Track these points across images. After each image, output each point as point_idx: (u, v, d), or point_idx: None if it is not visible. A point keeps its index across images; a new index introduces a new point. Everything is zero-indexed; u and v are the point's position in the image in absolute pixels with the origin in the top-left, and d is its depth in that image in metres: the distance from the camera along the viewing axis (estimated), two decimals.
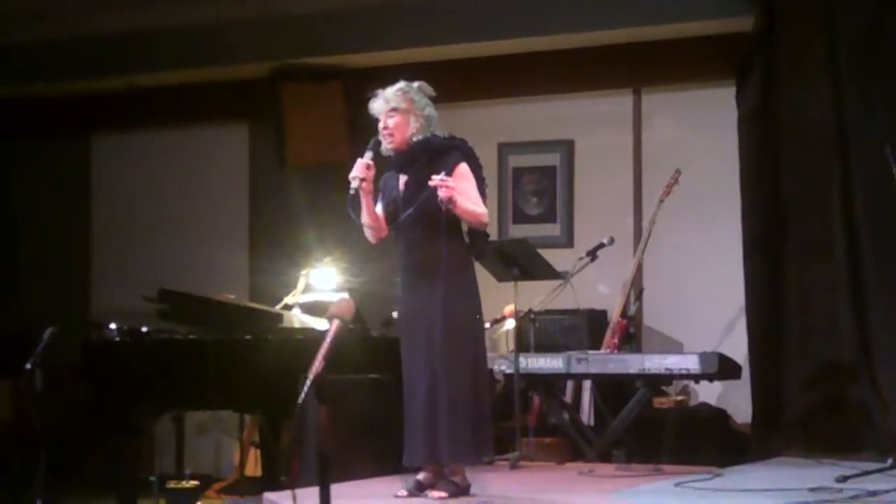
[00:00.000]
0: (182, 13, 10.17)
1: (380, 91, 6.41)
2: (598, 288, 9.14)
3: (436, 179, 6.12)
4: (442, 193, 6.12)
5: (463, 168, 6.33)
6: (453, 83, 9.33)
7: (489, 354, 8.57)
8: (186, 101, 10.72)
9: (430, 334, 6.28)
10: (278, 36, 10.00)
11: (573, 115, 9.78)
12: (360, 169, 6.29)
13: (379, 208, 6.45)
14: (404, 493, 6.37)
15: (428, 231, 6.27)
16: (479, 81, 9.76)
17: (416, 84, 6.41)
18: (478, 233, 6.43)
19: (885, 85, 8.25)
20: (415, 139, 6.35)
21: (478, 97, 9.85)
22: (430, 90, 6.43)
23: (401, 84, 6.39)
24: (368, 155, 6.33)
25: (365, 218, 6.38)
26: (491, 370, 8.22)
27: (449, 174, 6.22)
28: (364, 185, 6.30)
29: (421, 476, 6.42)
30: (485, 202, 6.38)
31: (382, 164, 6.44)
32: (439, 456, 6.28)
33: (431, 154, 6.32)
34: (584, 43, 9.43)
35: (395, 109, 6.33)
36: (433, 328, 6.27)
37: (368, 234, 6.49)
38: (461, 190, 6.22)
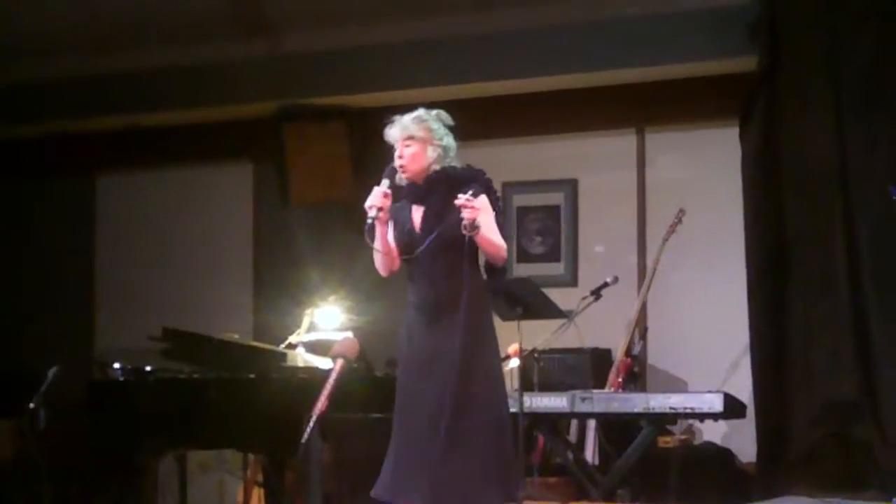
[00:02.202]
0: (186, 53, 10.22)
1: (397, 118, 6.15)
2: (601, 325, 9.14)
3: (461, 198, 5.85)
4: (467, 214, 5.84)
5: (482, 200, 6.01)
6: (458, 122, 9.33)
7: None
8: (191, 140, 10.75)
9: (450, 373, 5.96)
10: (282, 76, 10.04)
11: (577, 154, 9.80)
12: (378, 198, 6.04)
13: (390, 237, 6.19)
14: None
15: (449, 264, 6.02)
16: (483, 120, 9.78)
17: (434, 112, 6.18)
18: (497, 269, 6.15)
19: (887, 123, 8.28)
20: (431, 169, 6.10)
21: (482, 136, 9.87)
22: (448, 119, 6.20)
23: (419, 111, 6.16)
24: (385, 183, 6.08)
25: (380, 245, 6.11)
26: None
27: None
28: (381, 214, 6.06)
29: None
30: (504, 236, 6.11)
31: (396, 193, 6.20)
32: (445, 499, 5.95)
33: (450, 185, 6.02)
34: (589, 83, 9.46)
35: (411, 138, 6.08)
36: (454, 367, 5.96)
37: (379, 264, 6.20)
38: (482, 222, 5.93)
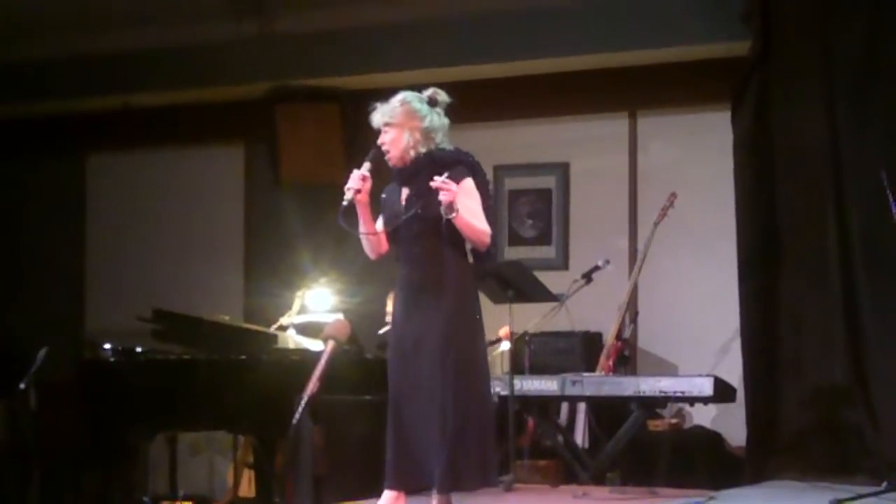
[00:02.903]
0: (179, 34, 10.19)
1: (378, 104, 6.18)
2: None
3: (437, 181, 5.85)
4: (443, 197, 5.86)
5: (467, 183, 6.02)
6: (449, 105, 9.36)
7: None
8: (182, 120, 10.73)
9: (431, 356, 5.98)
10: (275, 57, 10.02)
11: (569, 138, 9.80)
12: (355, 180, 6.06)
13: (380, 223, 6.20)
14: None
15: (429, 246, 6.02)
16: (474, 104, 9.70)
17: (428, 92, 6.21)
18: (481, 253, 6.12)
19: (879, 108, 8.27)
20: (413, 153, 6.09)
21: (474, 119, 9.84)
22: (442, 97, 6.20)
23: (400, 96, 6.17)
24: (366, 166, 6.09)
25: (363, 228, 6.13)
26: None
27: None
28: (359, 196, 6.07)
29: (383, 503, 6.11)
30: (491, 223, 6.08)
31: (388, 176, 6.23)
32: (429, 484, 5.98)
33: (435, 168, 6.00)
34: (581, 66, 9.46)
35: (388, 124, 6.11)
36: (435, 350, 5.97)
37: (367, 247, 6.22)
38: (464, 205, 5.94)
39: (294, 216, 9.86)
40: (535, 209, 9.88)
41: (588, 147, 9.74)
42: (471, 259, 6.16)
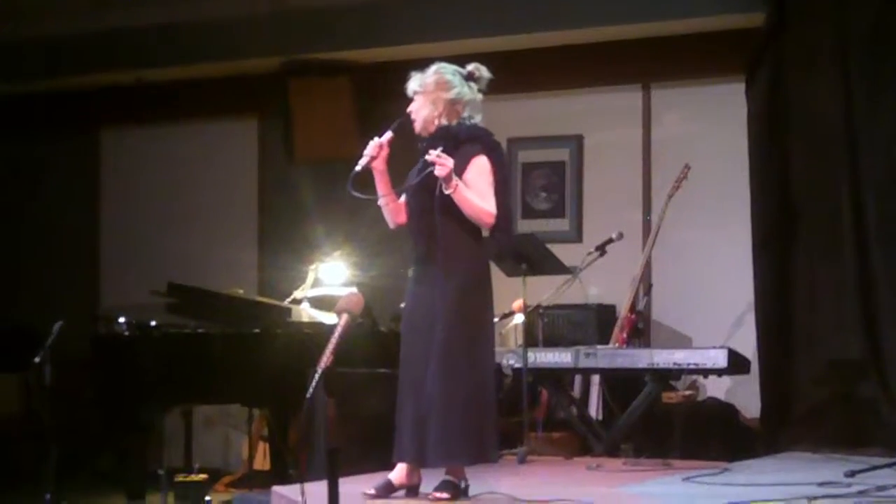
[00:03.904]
0: (191, 8, 10.19)
1: (415, 73, 6.17)
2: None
3: (432, 154, 5.88)
4: (437, 171, 5.87)
5: (480, 161, 6.02)
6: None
7: (498, 349, 8.61)
8: (196, 96, 10.74)
9: (430, 330, 6.03)
10: (288, 31, 10.01)
11: (583, 110, 9.78)
12: (372, 147, 6.10)
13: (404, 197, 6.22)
14: (372, 491, 6.12)
15: (433, 220, 6.02)
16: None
17: (470, 66, 6.18)
18: (494, 230, 6.07)
19: (894, 82, 8.24)
20: (437, 123, 6.09)
21: (487, 92, 9.81)
22: (483, 73, 6.18)
23: (435, 66, 6.15)
24: (387, 135, 6.11)
25: (382, 198, 6.14)
26: (499, 364, 8.24)
27: (464, 165, 5.98)
28: (376, 164, 6.10)
29: (394, 476, 6.17)
30: (502, 203, 6.03)
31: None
32: (425, 458, 6.04)
33: (451, 142, 6.01)
34: (594, 38, 9.43)
35: (416, 92, 6.12)
36: (434, 324, 6.02)
37: (387, 216, 6.24)
38: (472, 183, 5.95)
39: (308, 190, 9.86)
40: (549, 182, 9.87)
41: (602, 119, 9.72)
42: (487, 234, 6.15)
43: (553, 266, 8.10)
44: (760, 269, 8.60)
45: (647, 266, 9.09)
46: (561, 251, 8.24)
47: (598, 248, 8.61)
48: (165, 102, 10.82)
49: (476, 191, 5.99)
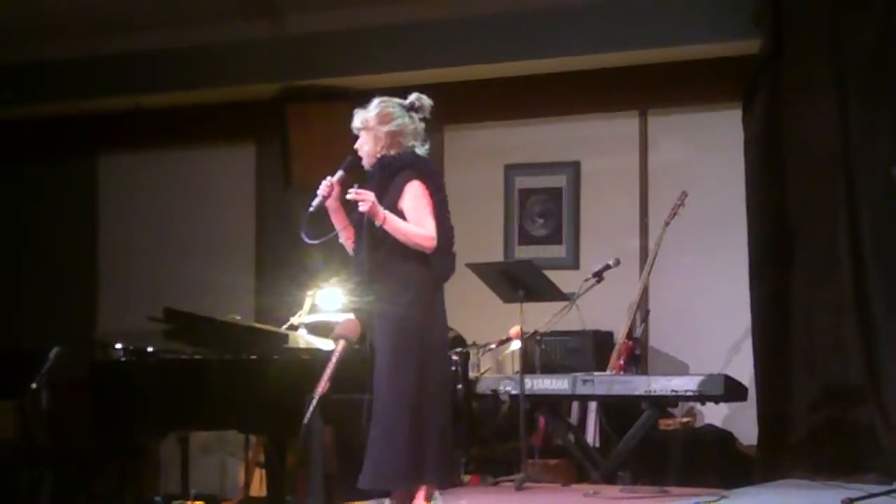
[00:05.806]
0: (189, 34, 10.21)
1: (358, 109, 6.31)
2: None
3: (351, 193, 6.01)
4: (361, 207, 5.99)
5: (413, 187, 6.09)
6: (460, 105, 9.35)
7: (495, 375, 8.60)
8: (193, 121, 10.75)
9: (377, 357, 6.11)
10: (285, 57, 10.03)
11: (579, 136, 9.79)
12: (324, 187, 6.19)
13: None
14: None
15: (370, 252, 6.12)
16: (485, 103, 9.78)
17: (412, 97, 6.27)
18: (433, 255, 6.10)
19: (890, 107, 8.26)
20: (380, 156, 6.20)
21: (485, 119, 9.88)
22: (424, 102, 6.24)
23: (376, 100, 6.27)
24: (339, 174, 6.22)
25: (341, 231, 6.28)
26: (496, 391, 8.24)
27: (399, 192, 6.06)
28: (329, 202, 6.19)
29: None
30: (443, 225, 6.11)
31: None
32: (365, 481, 6.09)
33: (386, 172, 6.14)
34: (591, 65, 9.45)
35: (359, 129, 6.25)
36: (378, 352, 6.10)
37: (349, 248, 6.36)
38: (408, 209, 6.04)
39: (305, 215, 9.83)
40: (546, 208, 9.87)
41: (599, 146, 9.74)
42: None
43: (550, 292, 8.10)
44: (757, 294, 8.60)
45: (645, 293, 9.09)
46: (558, 278, 8.25)
47: (595, 275, 8.60)
48: (163, 128, 10.83)
49: (413, 216, 6.06)
